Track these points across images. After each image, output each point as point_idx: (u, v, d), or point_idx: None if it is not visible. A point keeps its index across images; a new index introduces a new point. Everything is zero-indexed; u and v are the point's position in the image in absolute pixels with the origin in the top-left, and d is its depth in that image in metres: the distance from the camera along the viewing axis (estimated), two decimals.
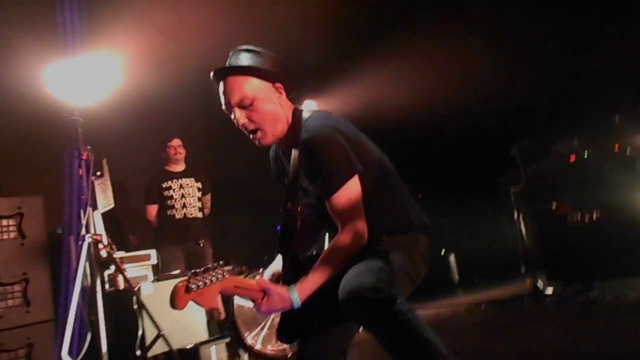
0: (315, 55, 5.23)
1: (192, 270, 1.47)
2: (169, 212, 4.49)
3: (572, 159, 3.83)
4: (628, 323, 2.83)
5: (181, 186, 4.56)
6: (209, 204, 4.76)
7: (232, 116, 1.76)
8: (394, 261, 1.64)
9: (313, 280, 1.63)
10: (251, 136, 1.76)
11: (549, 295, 4.17)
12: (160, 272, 4.07)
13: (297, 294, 1.61)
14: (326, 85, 5.53)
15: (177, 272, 4.08)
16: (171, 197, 4.51)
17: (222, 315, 3.65)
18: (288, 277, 1.74)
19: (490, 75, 5.96)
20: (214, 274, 1.49)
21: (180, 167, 4.63)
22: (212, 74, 1.76)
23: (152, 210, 4.54)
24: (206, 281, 1.48)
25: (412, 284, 1.74)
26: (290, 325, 1.73)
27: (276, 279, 1.81)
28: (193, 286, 1.45)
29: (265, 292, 1.61)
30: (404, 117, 6.01)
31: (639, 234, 3.52)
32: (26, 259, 2.88)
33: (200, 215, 4.62)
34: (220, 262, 1.53)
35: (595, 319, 3.03)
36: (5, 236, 2.81)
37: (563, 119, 4.16)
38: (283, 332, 1.75)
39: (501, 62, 5.86)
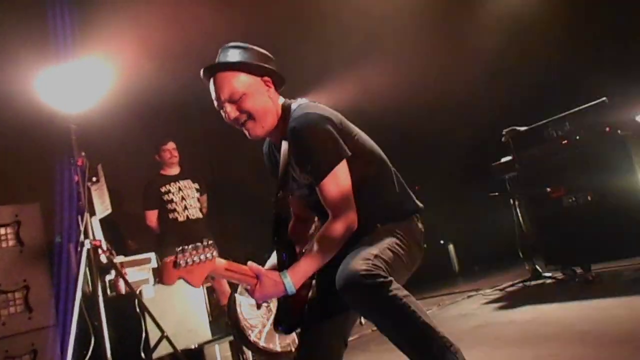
0: (309, 50, 5.23)
1: (180, 247, 1.47)
2: (171, 216, 4.51)
3: (565, 142, 3.86)
4: (624, 301, 2.87)
5: (180, 189, 4.58)
6: (205, 204, 4.79)
7: (223, 112, 1.79)
8: (389, 248, 1.66)
9: (305, 266, 1.66)
10: (242, 129, 1.79)
11: (548, 278, 4.21)
12: None
13: (289, 279, 1.63)
14: (323, 81, 5.55)
15: None
16: (171, 201, 4.53)
17: (225, 300, 3.65)
18: (283, 266, 1.76)
19: (480, 63, 6.00)
20: (202, 251, 1.50)
21: (175, 170, 4.64)
22: (201, 71, 1.80)
23: (152, 216, 4.55)
24: (195, 259, 1.48)
25: (408, 270, 1.77)
26: (288, 315, 1.75)
27: (270, 266, 1.83)
28: (182, 262, 1.46)
29: (257, 278, 1.62)
30: (397, 110, 6.04)
31: (633, 214, 3.54)
32: (26, 266, 2.89)
33: (201, 215, 4.66)
34: (210, 242, 1.53)
35: (593, 298, 3.06)
36: (4, 244, 2.82)
37: (553, 104, 4.17)
38: (281, 323, 1.77)
39: (490, 50, 5.90)
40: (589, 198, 3.75)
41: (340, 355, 1.89)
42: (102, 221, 4.01)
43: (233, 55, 1.79)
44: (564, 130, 3.92)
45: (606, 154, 3.66)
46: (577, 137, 3.84)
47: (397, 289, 1.54)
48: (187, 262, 1.47)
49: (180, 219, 4.52)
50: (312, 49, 5.22)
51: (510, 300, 3.80)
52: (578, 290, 3.41)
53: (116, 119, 4.45)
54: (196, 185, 4.67)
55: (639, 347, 1.99)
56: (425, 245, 1.88)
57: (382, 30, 5.49)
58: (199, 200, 4.67)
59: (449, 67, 5.96)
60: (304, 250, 1.85)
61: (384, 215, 1.78)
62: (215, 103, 1.81)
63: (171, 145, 4.59)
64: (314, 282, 1.79)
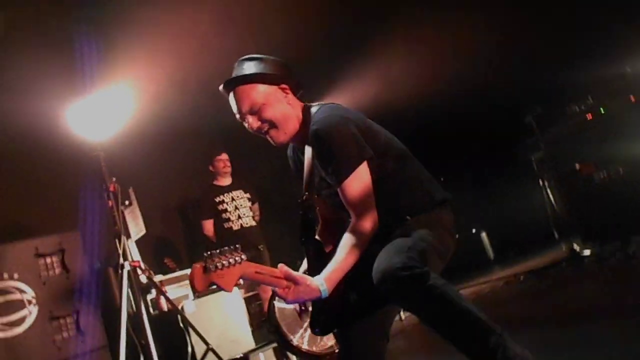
0: (323, 54, 5.28)
1: (208, 252, 1.48)
2: (226, 225, 4.68)
3: (589, 117, 3.80)
4: None
5: (233, 199, 4.76)
6: (258, 212, 4.95)
7: (246, 124, 1.84)
8: (421, 239, 1.67)
9: (337, 269, 1.67)
10: (267, 137, 1.84)
11: (587, 257, 4.13)
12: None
13: (323, 283, 1.64)
14: (338, 81, 5.58)
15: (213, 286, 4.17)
16: (226, 211, 4.70)
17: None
18: (312, 267, 1.78)
19: (495, 47, 5.92)
20: (230, 256, 1.50)
21: (228, 180, 4.82)
22: (221, 87, 1.86)
23: (209, 225, 4.73)
24: (224, 262, 1.48)
25: (443, 260, 1.77)
26: (323, 316, 1.76)
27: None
28: (211, 267, 1.46)
29: (290, 281, 1.63)
30: (415, 102, 6.01)
31: None
32: (73, 291, 3.01)
33: (254, 223, 4.82)
34: (237, 246, 1.54)
35: (636, 273, 3.00)
36: (51, 273, 2.95)
37: (574, 80, 4.11)
38: (317, 325, 1.77)
39: (504, 32, 5.82)
40: (621, 171, 3.68)
41: (384, 351, 1.90)
42: (139, 243, 4.13)
43: (249, 67, 1.84)
44: (587, 105, 3.86)
45: (632, 124, 3.59)
46: (602, 111, 3.77)
47: (435, 278, 1.55)
48: (216, 267, 1.47)
49: (235, 227, 4.69)
50: (328, 51, 5.27)
51: (550, 282, 3.74)
52: (619, 267, 3.33)
53: (143, 142, 4.58)
54: (248, 195, 4.85)
55: None
56: (457, 235, 1.88)
57: (396, 18, 5.46)
58: (250, 209, 4.84)
59: (463, 52, 5.91)
60: (332, 251, 1.87)
61: (412, 207, 1.79)
62: (237, 115, 1.86)
63: (224, 156, 4.78)
64: (346, 280, 1.80)
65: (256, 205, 4.93)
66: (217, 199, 4.69)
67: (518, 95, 5.45)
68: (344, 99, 5.18)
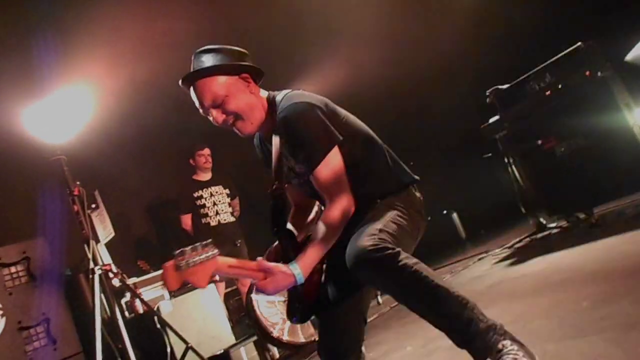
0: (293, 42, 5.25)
1: (179, 250, 1.46)
2: (203, 221, 4.67)
3: (548, 93, 3.89)
4: (629, 237, 2.92)
5: (211, 194, 4.73)
6: (238, 207, 4.94)
7: (211, 118, 1.81)
8: (392, 220, 1.69)
9: (311, 254, 1.68)
10: (233, 129, 1.81)
11: (554, 229, 4.27)
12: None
13: (299, 269, 1.66)
14: (306, 72, 5.57)
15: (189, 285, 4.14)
16: (204, 206, 4.68)
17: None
18: (286, 255, 1.78)
19: (458, 30, 6.01)
20: (202, 252, 1.49)
21: (208, 175, 4.78)
22: (180, 82, 1.81)
23: (187, 219, 4.71)
24: (195, 259, 1.47)
25: (413, 239, 1.80)
26: (300, 304, 1.77)
27: (273, 258, 1.84)
28: (182, 264, 1.45)
29: (266, 272, 1.64)
30: (382, 87, 6.06)
31: (626, 151, 3.58)
32: (42, 300, 2.93)
33: (232, 219, 4.80)
34: (208, 241, 1.53)
35: (598, 240, 3.12)
36: (17, 282, 2.85)
37: (530, 58, 4.20)
38: (295, 313, 1.79)
39: (466, 15, 5.92)
40: (581, 143, 3.79)
41: (362, 334, 1.93)
42: (110, 247, 4.05)
43: (207, 59, 1.79)
44: (545, 82, 3.95)
45: (590, 98, 3.69)
46: (560, 86, 3.87)
47: (406, 258, 1.57)
48: (188, 264, 1.46)
49: (213, 223, 4.67)
50: (296, 41, 5.24)
51: (520, 256, 3.85)
52: (584, 235, 3.46)
53: (105, 143, 4.47)
54: (227, 191, 4.83)
55: None
56: (429, 218, 1.91)
57: (359, 11, 5.48)
58: (230, 204, 4.81)
59: (424, 38, 5.97)
60: (307, 238, 1.87)
61: (381, 190, 1.81)
62: (200, 110, 1.82)
63: (207, 151, 4.73)
64: (324, 266, 1.81)
65: (236, 201, 4.92)
66: (196, 194, 4.66)
67: (480, 77, 5.55)
68: (312, 85, 5.19)
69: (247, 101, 1.80)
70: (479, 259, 4.56)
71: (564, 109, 3.83)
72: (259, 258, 1.71)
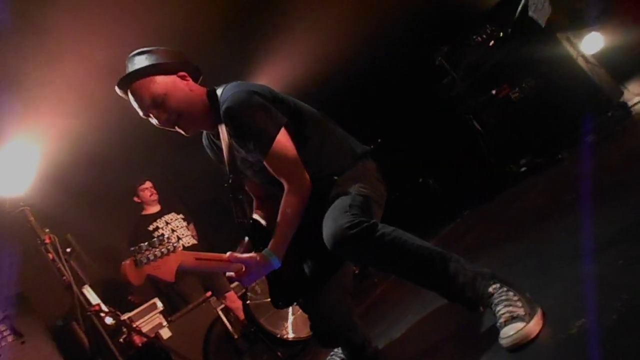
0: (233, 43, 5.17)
1: (137, 246, 1.43)
2: None
3: (491, 43, 3.97)
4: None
5: (167, 222, 4.59)
6: (195, 232, 4.81)
7: (152, 120, 1.78)
8: (357, 193, 1.70)
9: (282, 237, 1.69)
10: (177, 129, 1.79)
11: (525, 171, 4.36)
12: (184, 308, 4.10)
13: (273, 255, 1.66)
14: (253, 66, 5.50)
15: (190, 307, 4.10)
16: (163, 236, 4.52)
17: (242, 314, 3.70)
18: (256, 244, 1.79)
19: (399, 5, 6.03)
20: (161, 246, 1.46)
21: (156, 207, 4.64)
22: (116, 88, 1.76)
23: None
24: (156, 253, 1.45)
25: (380, 206, 1.82)
26: (282, 289, 1.78)
27: (245, 251, 1.83)
28: (143, 260, 1.42)
29: (239, 263, 1.64)
30: (335, 71, 6.04)
31: (577, 82, 3.67)
32: (33, 357, 2.84)
33: (195, 242, 4.68)
34: (167, 235, 1.51)
35: (567, 172, 3.20)
36: (3, 342, 2.75)
37: (468, 16, 4.27)
38: (279, 298, 1.80)
39: None
40: (532, 84, 3.88)
41: (351, 307, 1.94)
42: (98, 287, 3.96)
43: (140, 61, 1.77)
44: (486, 33, 4.03)
45: (530, 40, 3.78)
46: (501, 35, 3.95)
47: (383, 227, 1.58)
48: (148, 259, 1.43)
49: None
50: (243, 37, 5.16)
51: (496, 206, 3.91)
52: (552, 172, 3.54)
53: (70, 185, 4.35)
54: (181, 216, 4.70)
55: None
56: (397, 194, 1.92)
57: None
58: (187, 228, 4.69)
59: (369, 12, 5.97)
60: (272, 226, 1.86)
61: (336, 166, 1.82)
62: (141, 113, 1.78)
63: (148, 184, 4.59)
64: (297, 249, 1.81)
65: (192, 226, 4.80)
66: (151, 227, 4.51)
67: (426, 42, 5.60)
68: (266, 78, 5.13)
69: (187, 99, 1.78)
70: (460, 219, 4.62)
71: (510, 56, 3.92)
72: (230, 252, 1.69)
